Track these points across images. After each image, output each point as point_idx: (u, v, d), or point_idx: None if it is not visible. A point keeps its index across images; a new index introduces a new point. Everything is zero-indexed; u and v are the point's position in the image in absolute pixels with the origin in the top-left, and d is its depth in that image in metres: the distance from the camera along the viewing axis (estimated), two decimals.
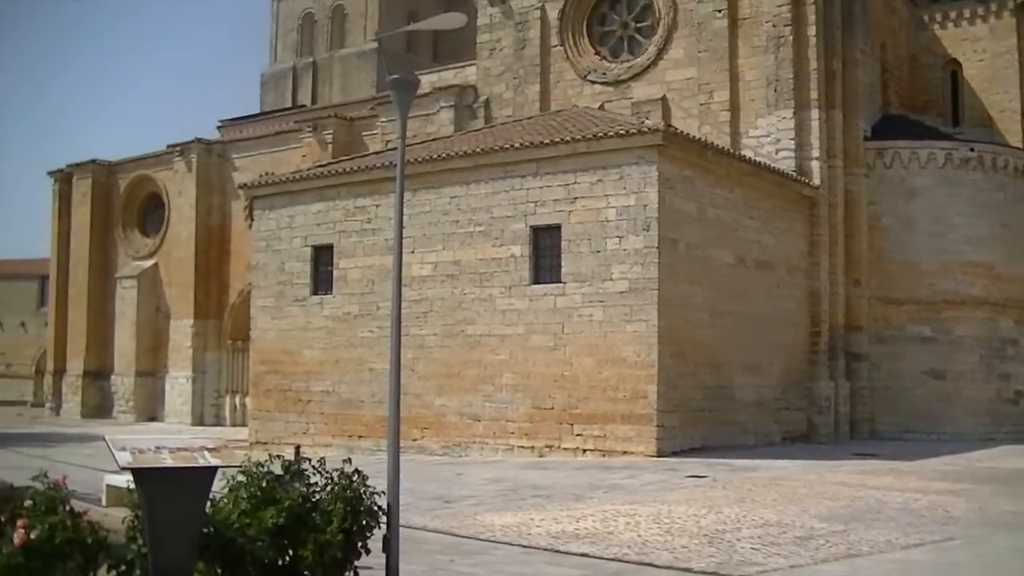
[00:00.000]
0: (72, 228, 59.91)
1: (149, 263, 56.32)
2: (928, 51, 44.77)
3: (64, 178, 60.65)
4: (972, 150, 38.52)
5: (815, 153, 36.33)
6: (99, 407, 57.34)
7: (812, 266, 36.23)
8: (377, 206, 33.99)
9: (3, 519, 11.55)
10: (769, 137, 36.47)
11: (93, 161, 59.29)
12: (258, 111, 65.46)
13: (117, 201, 58.73)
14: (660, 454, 27.94)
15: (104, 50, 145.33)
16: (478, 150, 32.13)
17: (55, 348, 60.57)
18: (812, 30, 36.75)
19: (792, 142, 36.20)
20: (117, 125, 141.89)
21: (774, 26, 36.88)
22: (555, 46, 41.58)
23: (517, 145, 31.26)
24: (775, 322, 34.11)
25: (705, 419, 30.40)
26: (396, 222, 13.21)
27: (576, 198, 29.88)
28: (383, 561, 11.44)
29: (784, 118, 36.39)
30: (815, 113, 36.46)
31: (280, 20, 69.14)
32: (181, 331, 53.60)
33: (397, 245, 13.13)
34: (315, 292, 35.69)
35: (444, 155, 32.79)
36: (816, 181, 36.15)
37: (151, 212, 58.03)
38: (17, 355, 75.41)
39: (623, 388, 28.57)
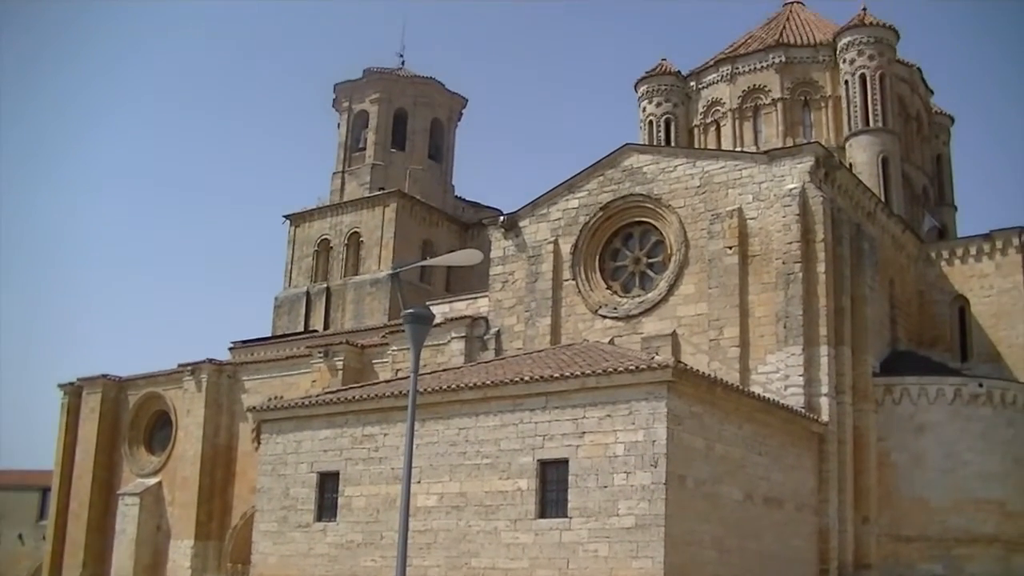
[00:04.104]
0: (78, 441, 59.68)
1: (153, 481, 55.93)
2: (936, 287, 45.39)
3: (74, 391, 60.74)
4: (981, 385, 38.66)
5: (824, 389, 36.41)
6: None
7: (821, 503, 35.91)
8: (385, 435, 33.95)
9: None
10: (778, 373, 36.59)
11: (104, 376, 59.48)
12: (270, 334, 65.99)
13: (125, 417, 58.69)
14: None
15: (121, 265, 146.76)
16: (488, 382, 32.23)
17: (51, 562, 59.48)
18: (822, 267, 37.25)
19: (801, 378, 36.32)
20: (130, 340, 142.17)
21: (784, 263, 37.40)
22: (567, 280, 42.16)
23: (527, 378, 31.36)
24: (783, 560, 33.57)
25: None
26: (406, 452, 13.20)
27: (584, 432, 29.83)
28: None
29: (793, 354, 36.57)
30: (824, 349, 36.66)
31: (296, 245, 70.15)
32: (181, 551, 52.80)
33: (406, 475, 13.07)
34: (319, 519, 35.29)
35: (454, 386, 32.85)
36: (825, 417, 36.14)
37: (159, 429, 57.98)
38: (12, 568, 74.08)
39: None
